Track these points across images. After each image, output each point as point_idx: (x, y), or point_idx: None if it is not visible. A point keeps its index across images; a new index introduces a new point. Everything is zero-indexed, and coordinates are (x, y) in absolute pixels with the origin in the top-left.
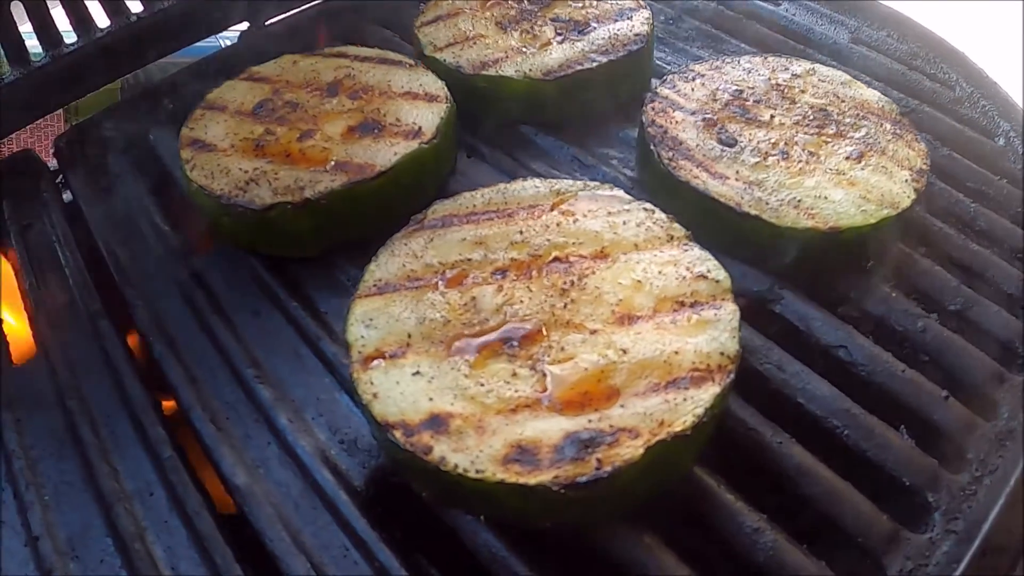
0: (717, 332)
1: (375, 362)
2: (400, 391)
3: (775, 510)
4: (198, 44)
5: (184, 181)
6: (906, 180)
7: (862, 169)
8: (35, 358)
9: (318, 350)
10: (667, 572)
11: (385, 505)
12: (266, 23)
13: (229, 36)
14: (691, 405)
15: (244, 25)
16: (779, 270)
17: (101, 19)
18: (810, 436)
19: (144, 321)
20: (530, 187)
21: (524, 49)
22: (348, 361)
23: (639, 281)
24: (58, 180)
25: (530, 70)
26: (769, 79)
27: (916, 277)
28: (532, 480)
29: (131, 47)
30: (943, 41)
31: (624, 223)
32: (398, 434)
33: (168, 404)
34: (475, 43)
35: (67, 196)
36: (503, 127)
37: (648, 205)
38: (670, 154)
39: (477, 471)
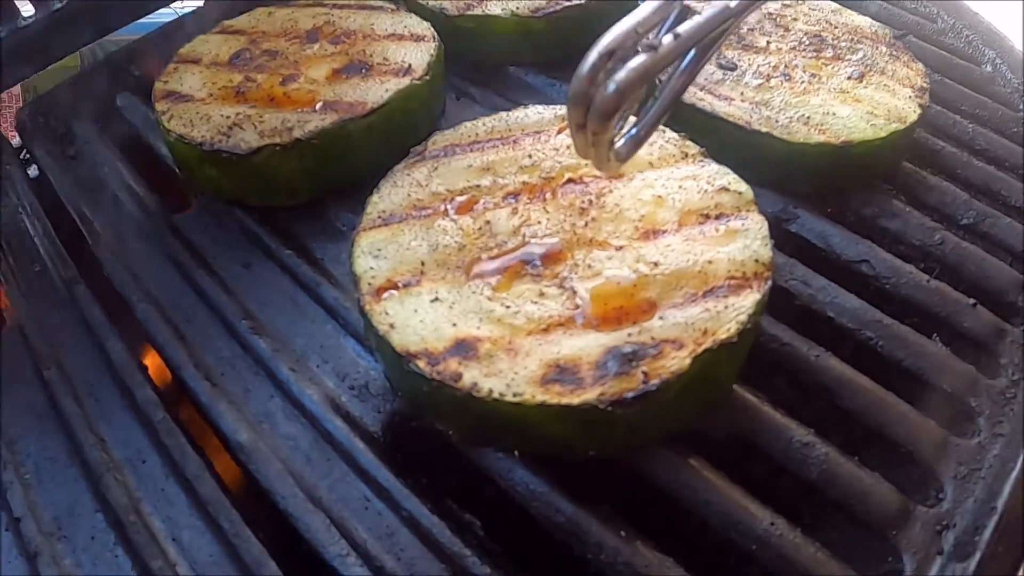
0: (748, 240)
1: (388, 293)
2: (420, 319)
3: (821, 426)
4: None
5: (162, 133)
6: (909, 96)
7: (865, 88)
8: (7, 331)
9: (317, 296)
10: (719, 493)
11: (406, 451)
12: None
13: (190, 6)
14: (733, 312)
15: None
16: (791, 190)
17: None
18: (845, 349)
19: (124, 283)
20: (533, 114)
21: None
22: (357, 296)
23: (660, 196)
24: (23, 155)
25: (518, 8)
26: (761, 9)
27: (926, 193)
28: (576, 399)
29: (91, 17)
30: None
31: None
32: (422, 363)
33: (157, 371)
34: None
35: (33, 171)
36: (491, 69)
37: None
38: None
39: (515, 394)
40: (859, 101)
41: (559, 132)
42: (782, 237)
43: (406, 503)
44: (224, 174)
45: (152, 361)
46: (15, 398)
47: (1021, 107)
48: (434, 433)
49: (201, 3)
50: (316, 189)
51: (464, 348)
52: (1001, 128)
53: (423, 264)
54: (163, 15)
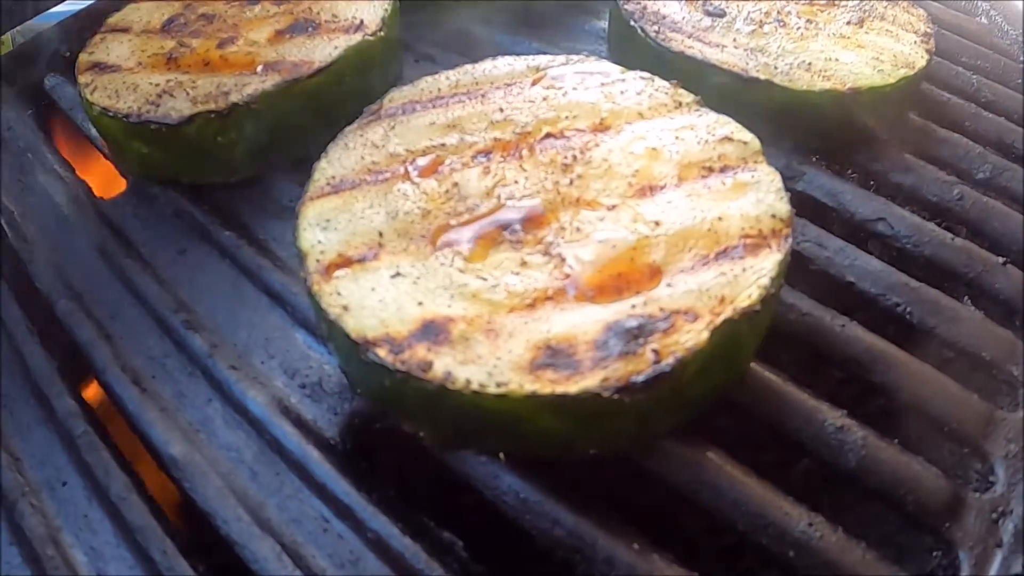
0: (761, 194)
1: (340, 271)
2: (379, 299)
3: (851, 404)
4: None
5: (85, 108)
6: (914, 42)
7: (866, 33)
8: None
9: (261, 282)
10: (746, 491)
11: (369, 458)
12: None
13: None
14: (753, 276)
15: None
16: (793, 146)
17: None
18: (869, 317)
19: (44, 277)
20: (503, 64)
21: None
22: (304, 275)
23: (654, 149)
24: None
25: None
26: None
27: (937, 147)
28: (573, 387)
29: None
30: None
31: (622, 92)
32: (383, 352)
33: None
34: None
35: None
36: (453, 28)
37: (644, 74)
38: (655, 28)
39: (498, 384)
40: (862, 47)
41: (534, 83)
42: (789, 196)
43: (372, 522)
44: (154, 149)
45: (76, 365)
46: None
47: (1022, 59)
48: (402, 436)
49: None
50: (258, 163)
51: (433, 331)
52: (1005, 79)
53: (381, 235)
54: None
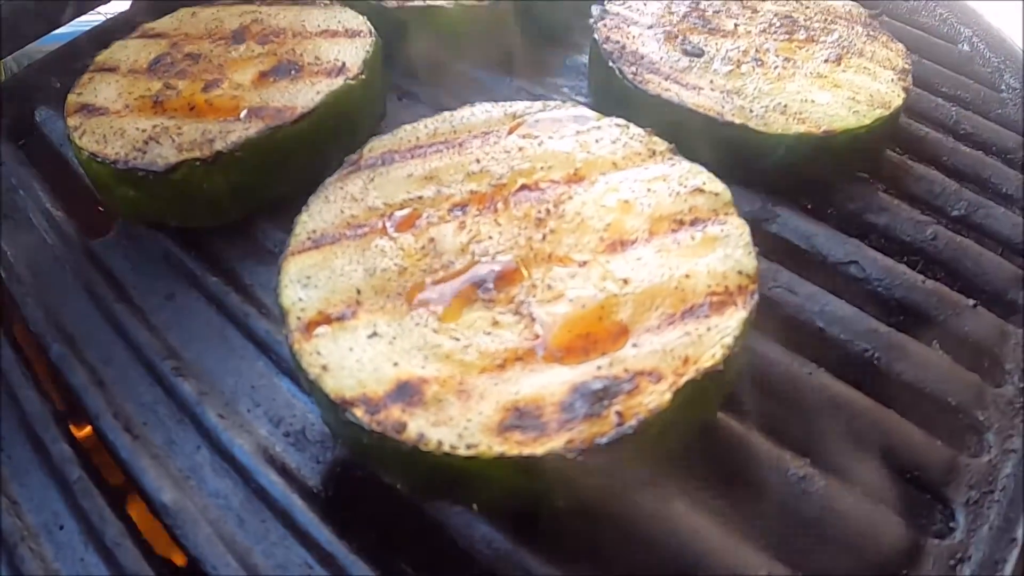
0: (729, 249)
1: (320, 328)
2: (356, 359)
3: (815, 452)
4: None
5: (74, 152)
6: (891, 79)
7: (844, 72)
8: None
9: (247, 330)
10: (707, 540)
11: (351, 506)
12: None
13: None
14: (717, 335)
15: None
16: (768, 187)
17: None
18: (837, 364)
19: (37, 320)
20: (480, 112)
21: None
22: (285, 332)
23: (626, 201)
24: None
25: None
26: None
27: (913, 184)
28: (540, 449)
29: (16, 24)
30: None
31: (597, 141)
32: (359, 412)
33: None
34: None
35: None
36: (435, 65)
37: (619, 120)
38: (633, 69)
39: (468, 446)
40: (838, 86)
41: (511, 132)
42: (762, 239)
43: (353, 569)
44: (142, 194)
45: (70, 409)
46: None
47: (1002, 87)
48: (382, 484)
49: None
50: (244, 207)
51: (408, 391)
52: (985, 110)
53: (359, 292)
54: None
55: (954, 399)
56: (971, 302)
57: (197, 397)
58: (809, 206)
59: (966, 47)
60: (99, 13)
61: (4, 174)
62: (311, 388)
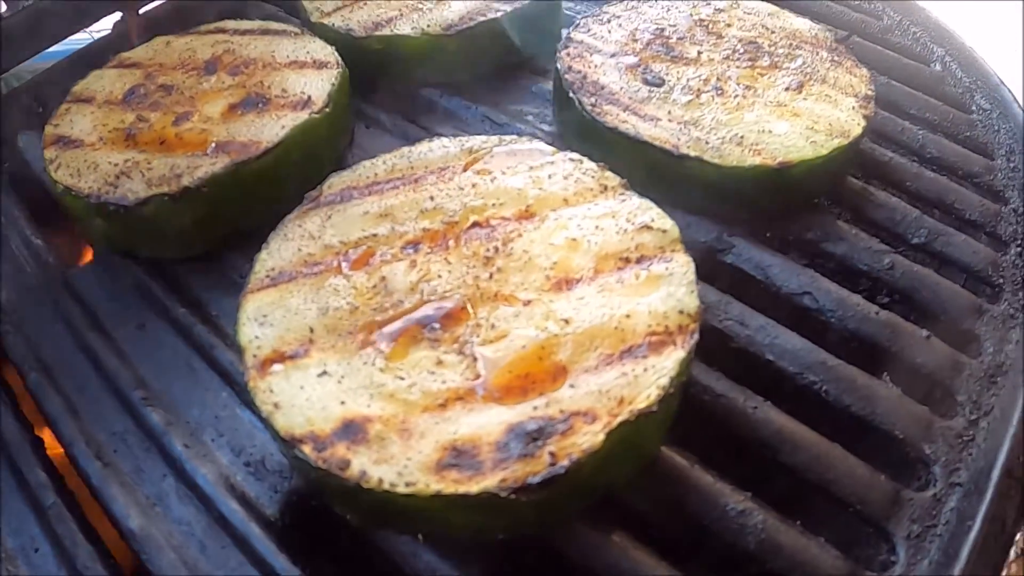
0: (672, 287)
1: (274, 366)
2: (305, 397)
3: (758, 486)
4: (71, 41)
5: (50, 184)
6: (852, 107)
7: (804, 99)
8: None
9: (212, 360)
10: (646, 572)
11: (306, 534)
12: (139, 11)
13: (103, 29)
14: (653, 376)
15: (117, 15)
16: (726, 217)
17: None
18: (786, 396)
19: (15, 347)
20: (438, 147)
21: (420, 5)
22: (243, 368)
23: (574, 239)
24: None
25: (428, 26)
26: (691, 15)
27: (873, 211)
28: (474, 487)
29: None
30: None
31: (549, 177)
32: (307, 449)
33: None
34: (365, 4)
35: None
36: (403, 93)
37: (574, 155)
38: (592, 100)
39: (407, 484)
40: (797, 115)
41: (467, 167)
42: (717, 269)
43: None
44: (114, 226)
45: (47, 434)
46: None
47: (972, 108)
48: (334, 514)
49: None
50: (211, 239)
51: (353, 430)
52: (953, 132)
53: (312, 331)
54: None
55: (901, 432)
56: (924, 333)
57: (164, 427)
58: (767, 234)
59: (938, 67)
60: (88, 32)
61: None
62: (265, 424)
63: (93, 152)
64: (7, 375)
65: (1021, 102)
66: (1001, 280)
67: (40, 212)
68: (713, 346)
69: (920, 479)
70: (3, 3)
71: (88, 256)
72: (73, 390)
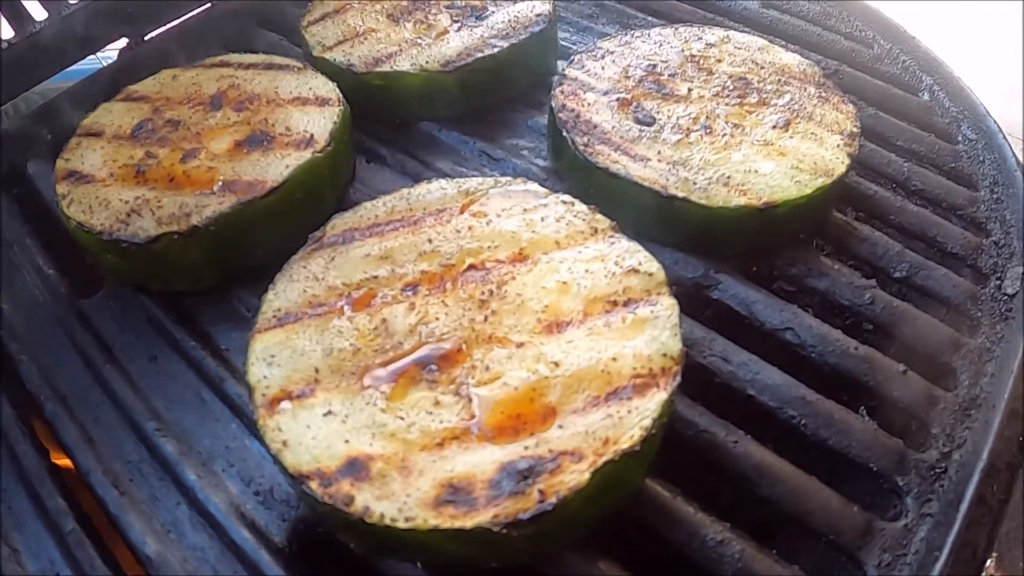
0: (656, 331)
1: (281, 404)
2: (312, 436)
3: (737, 516)
4: (78, 65)
5: (63, 218)
6: (837, 145)
7: (791, 138)
8: None
9: (222, 393)
10: None
11: (313, 560)
12: (144, 38)
13: (109, 54)
14: (637, 417)
15: (123, 42)
16: (712, 253)
17: None
18: (766, 430)
19: (33, 378)
20: (436, 189)
21: (419, 41)
22: (252, 406)
23: (565, 283)
24: None
25: (427, 62)
26: (683, 51)
27: (857, 245)
28: (469, 523)
29: (5, 76)
30: None
31: (542, 219)
32: (314, 485)
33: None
34: (366, 39)
35: None
36: (402, 126)
37: (566, 197)
38: (585, 139)
39: (407, 519)
40: (783, 154)
41: (462, 211)
42: (703, 304)
43: None
44: (125, 261)
45: (63, 460)
46: None
47: (959, 138)
48: (339, 542)
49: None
50: (219, 274)
51: (356, 468)
52: (939, 163)
53: (317, 371)
54: (84, 66)
55: (876, 465)
56: (901, 368)
57: (177, 457)
58: (753, 268)
59: (926, 96)
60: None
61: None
62: (275, 460)
63: (104, 188)
64: (24, 404)
65: (1021, 103)
66: (979, 314)
67: (52, 242)
68: (698, 382)
69: (894, 509)
70: (10, 27)
71: (100, 287)
72: (89, 420)
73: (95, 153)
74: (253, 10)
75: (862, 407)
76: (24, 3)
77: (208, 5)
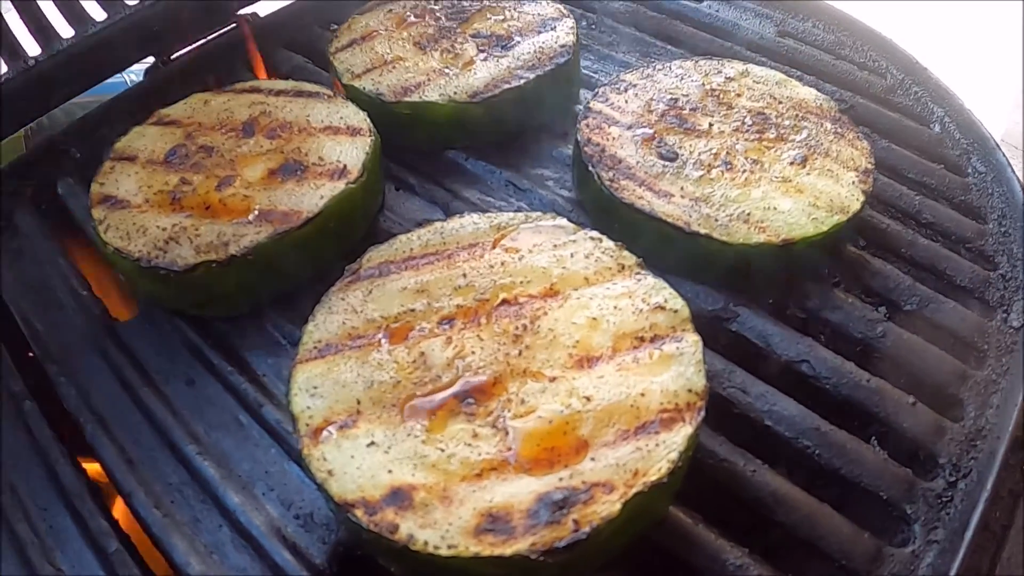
0: (682, 367)
1: (324, 433)
2: (356, 465)
3: (755, 541)
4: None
5: (99, 243)
6: (853, 182)
7: (808, 174)
8: None
9: (260, 418)
10: None
11: None
12: (172, 57)
13: (135, 71)
14: (664, 450)
15: (150, 60)
16: (731, 286)
17: None
18: (782, 459)
19: (69, 397)
20: (469, 224)
21: (447, 70)
22: (296, 435)
23: (594, 319)
24: None
25: (455, 93)
26: (703, 84)
27: (869, 278)
28: (508, 550)
29: (33, 93)
30: (869, 29)
31: (572, 255)
32: (359, 513)
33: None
34: (394, 67)
35: None
36: (429, 154)
37: (594, 234)
38: (610, 174)
39: (449, 547)
40: (801, 191)
41: (495, 245)
42: (722, 336)
43: None
44: (162, 287)
45: (102, 478)
46: None
47: (968, 171)
48: (379, 566)
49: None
50: (254, 301)
51: (400, 497)
52: (949, 196)
53: (359, 403)
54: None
55: (885, 493)
56: (911, 399)
57: (218, 480)
58: (770, 302)
59: (937, 128)
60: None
61: (30, 248)
62: (319, 488)
63: (140, 214)
64: (61, 425)
65: (1021, 104)
66: (986, 346)
67: (84, 264)
68: (717, 411)
69: (902, 535)
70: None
71: (134, 309)
72: (128, 441)
73: (130, 178)
74: (277, 31)
75: (873, 437)
76: (50, 20)
77: (233, 26)
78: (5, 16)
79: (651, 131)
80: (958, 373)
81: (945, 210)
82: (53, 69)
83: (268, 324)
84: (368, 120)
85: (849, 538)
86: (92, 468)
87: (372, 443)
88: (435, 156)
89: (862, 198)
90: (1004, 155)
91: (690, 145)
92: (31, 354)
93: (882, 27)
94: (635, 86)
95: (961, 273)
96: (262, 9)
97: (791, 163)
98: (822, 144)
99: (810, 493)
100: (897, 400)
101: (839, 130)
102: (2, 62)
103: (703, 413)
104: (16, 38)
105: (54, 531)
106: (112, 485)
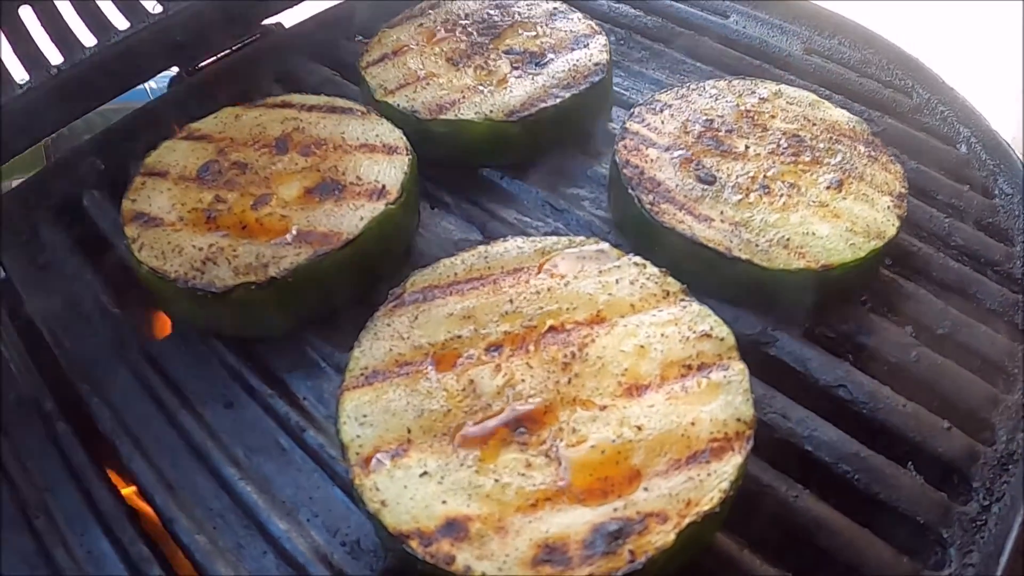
0: (730, 396)
1: (375, 462)
2: (410, 496)
3: (799, 566)
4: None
5: (132, 262)
6: (888, 207)
7: (844, 199)
8: None
9: (302, 442)
10: None
11: None
12: (196, 67)
13: (157, 80)
14: (716, 480)
15: (174, 70)
16: (770, 310)
17: (19, 73)
18: (823, 484)
19: (103, 418)
20: (512, 248)
21: (481, 87)
22: (346, 464)
23: (642, 346)
24: None
25: (491, 111)
26: (737, 105)
27: (902, 303)
28: None
29: (55, 102)
30: (894, 46)
31: (617, 281)
32: (415, 544)
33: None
34: (428, 84)
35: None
36: (464, 172)
37: (638, 259)
38: (651, 197)
39: None
40: (838, 216)
41: (539, 270)
42: (761, 361)
43: None
44: (198, 308)
45: (136, 499)
46: (6, 545)
47: (995, 192)
48: None
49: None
50: (292, 322)
51: (455, 528)
52: (977, 218)
53: (409, 431)
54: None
55: (922, 518)
56: (946, 424)
57: (262, 505)
58: (808, 326)
59: (964, 148)
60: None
61: (57, 263)
62: (370, 518)
63: (175, 233)
64: (94, 446)
65: (1020, 97)
66: (1016, 371)
67: (113, 280)
68: (760, 437)
69: (936, 558)
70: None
71: (166, 328)
72: (166, 465)
73: (162, 195)
74: (303, 42)
75: (910, 462)
76: (73, 30)
77: (257, 35)
78: (27, 25)
79: (688, 153)
80: (990, 397)
81: (973, 232)
82: (76, 78)
83: (306, 346)
84: (404, 139)
85: (889, 563)
86: (127, 491)
87: (425, 472)
88: (469, 174)
89: (897, 223)
90: None
91: (727, 168)
92: (61, 372)
93: (880, 27)
94: (670, 106)
95: (990, 297)
96: (287, 19)
97: (827, 187)
98: (856, 168)
99: (845, 513)
100: (932, 424)
101: (872, 153)
102: (23, 71)
103: (752, 442)
104: (39, 46)
105: (93, 557)
106: (152, 510)
